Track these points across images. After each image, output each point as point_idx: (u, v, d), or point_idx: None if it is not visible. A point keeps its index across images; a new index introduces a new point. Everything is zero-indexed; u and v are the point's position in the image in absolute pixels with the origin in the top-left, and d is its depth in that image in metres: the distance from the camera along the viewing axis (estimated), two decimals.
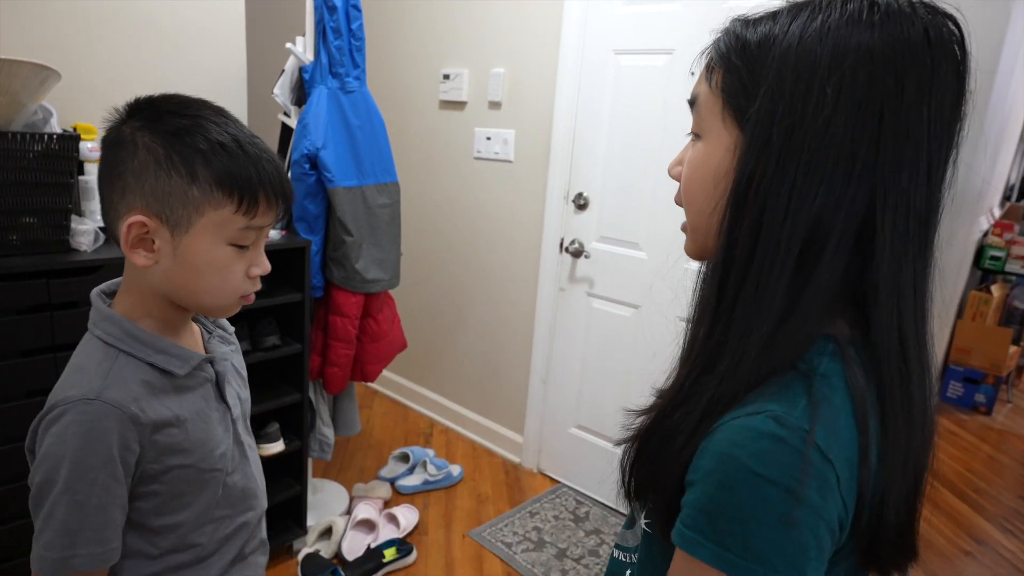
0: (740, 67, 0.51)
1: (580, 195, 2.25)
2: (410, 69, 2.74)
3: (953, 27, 0.49)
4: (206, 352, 0.84)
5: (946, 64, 0.48)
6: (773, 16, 0.52)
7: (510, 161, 2.44)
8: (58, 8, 1.57)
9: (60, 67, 1.31)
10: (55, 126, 1.38)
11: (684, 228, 0.61)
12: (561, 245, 2.34)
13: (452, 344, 2.82)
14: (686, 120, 0.60)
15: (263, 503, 0.91)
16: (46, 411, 0.69)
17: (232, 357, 0.88)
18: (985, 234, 4.02)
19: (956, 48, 0.49)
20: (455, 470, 2.45)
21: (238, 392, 0.87)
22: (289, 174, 1.80)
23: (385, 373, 3.12)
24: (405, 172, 2.55)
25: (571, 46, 2.18)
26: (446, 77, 2.56)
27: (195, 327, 0.85)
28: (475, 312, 2.71)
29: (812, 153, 0.48)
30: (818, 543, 0.45)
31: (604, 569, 0.72)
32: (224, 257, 0.73)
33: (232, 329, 0.93)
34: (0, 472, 1.28)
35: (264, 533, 0.93)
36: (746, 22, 0.53)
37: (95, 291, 0.77)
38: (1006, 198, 4.35)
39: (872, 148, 0.47)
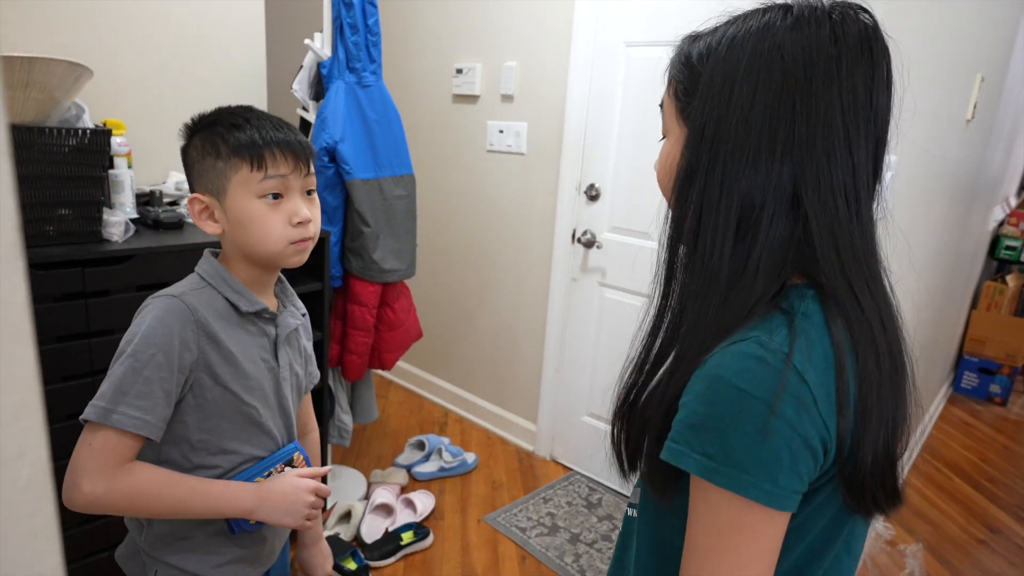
0: (686, 75, 0.61)
1: (592, 186, 2.29)
2: (424, 63, 2.78)
3: (865, 18, 0.55)
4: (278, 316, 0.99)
5: (853, 54, 0.54)
6: (714, 30, 0.60)
7: (523, 153, 2.48)
8: (89, 9, 1.63)
9: (91, 65, 1.37)
10: (87, 122, 1.44)
11: None
12: (573, 236, 2.37)
13: (466, 334, 2.87)
14: None
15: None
16: (149, 298, 0.87)
17: (299, 332, 1.03)
18: (1001, 224, 4.00)
19: (866, 38, 0.55)
20: (470, 457, 2.50)
21: (291, 361, 1.01)
22: None
23: (400, 363, 3.18)
24: (420, 165, 2.60)
25: (583, 39, 2.21)
26: (459, 71, 2.60)
27: (275, 300, 1.00)
28: (489, 303, 2.75)
29: (736, 141, 0.56)
30: (792, 455, 0.50)
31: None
32: (259, 209, 0.87)
33: (304, 311, 1.06)
34: None
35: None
36: (692, 38, 0.63)
37: (207, 251, 0.95)
38: (1022, 187, 4.32)
39: (788, 133, 0.55)
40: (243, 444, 0.93)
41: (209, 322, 0.87)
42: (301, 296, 1.84)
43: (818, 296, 0.56)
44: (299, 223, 0.89)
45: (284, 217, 0.89)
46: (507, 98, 2.50)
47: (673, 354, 0.59)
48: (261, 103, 1.98)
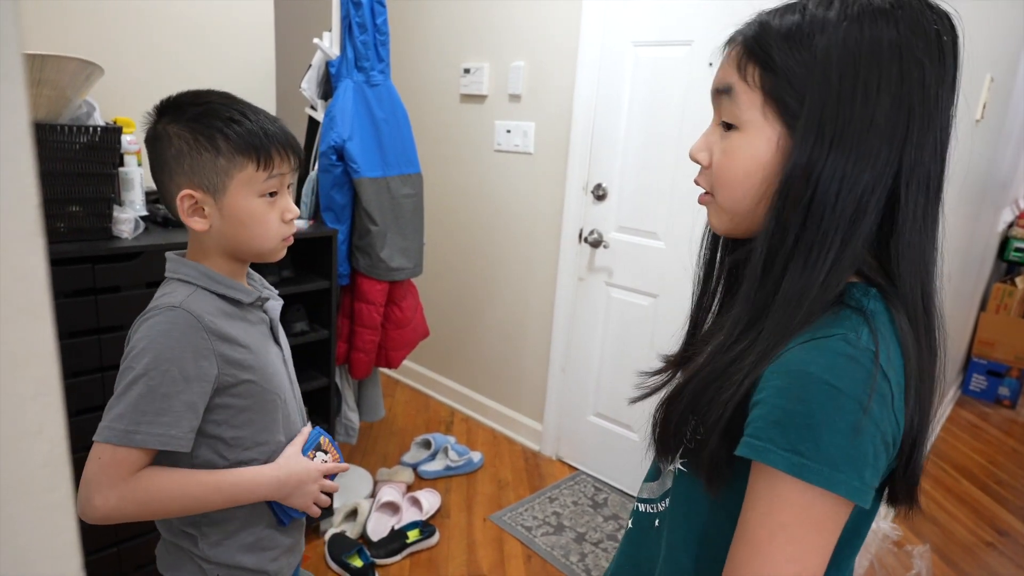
0: (780, 66, 0.56)
1: (599, 186, 2.29)
2: (431, 63, 2.79)
3: (950, 24, 0.56)
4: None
5: (950, 57, 0.55)
6: (800, 8, 0.57)
7: (530, 153, 2.48)
8: (100, 8, 1.64)
9: (102, 63, 1.38)
10: (98, 119, 1.45)
11: (704, 201, 0.66)
12: (580, 235, 2.37)
13: (473, 333, 2.88)
14: (705, 110, 0.64)
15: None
16: (143, 313, 0.85)
17: (277, 311, 1.02)
18: (1010, 226, 3.98)
19: (954, 43, 0.56)
20: (475, 456, 2.51)
21: (283, 341, 1.01)
22: (316, 166, 1.86)
23: (407, 363, 3.19)
24: (427, 164, 2.61)
25: (590, 39, 2.22)
26: (467, 71, 2.61)
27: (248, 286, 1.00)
28: (495, 302, 2.75)
29: (860, 144, 0.54)
30: (875, 452, 0.51)
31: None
32: (259, 208, 0.88)
33: (276, 292, 1.04)
34: None
35: None
36: (774, 13, 0.58)
37: (170, 253, 0.92)
38: None
39: (903, 133, 0.55)
40: (274, 434, 0.94)
41: (217, 324, 0.86)
42: (309, 294, 1.87)
43: (880, 294, 0.57)
44: (291, 219, 0.91)
45: (278, 214, 0.90)
46: (515, 98, 2.50)
47: (764, 335, 0.57)
48: (270, 102, 1.99)
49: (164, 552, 0.96)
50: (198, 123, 0.84)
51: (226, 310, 0.89)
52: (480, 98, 2.62)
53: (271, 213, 0.89)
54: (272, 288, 1.03)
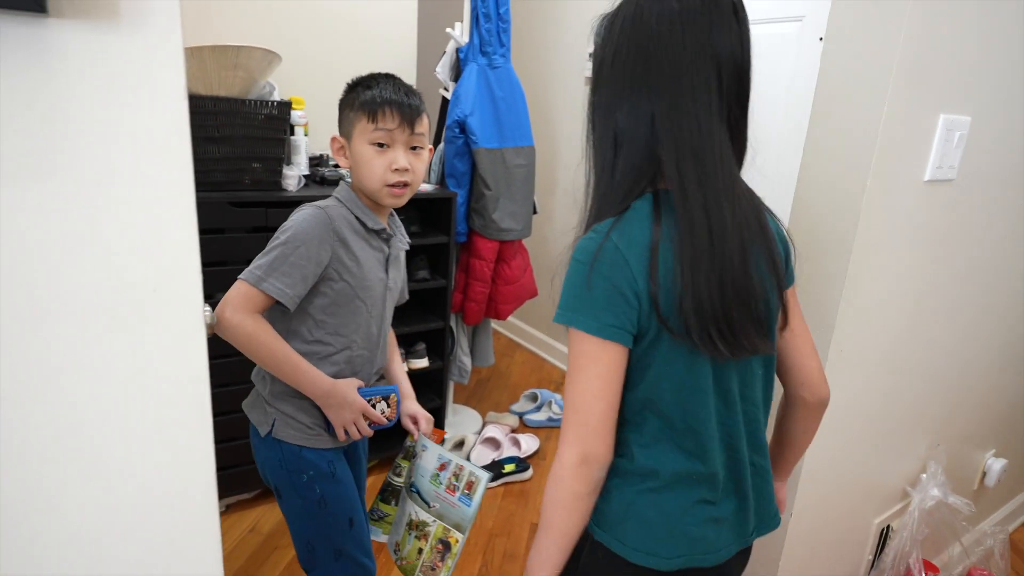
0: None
1: None
2: (556, 48, 3.01)
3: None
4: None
5: (695, 11, 0.72)
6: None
7: None
8: (280, 7, 2.07)
9: (280, 52, 1.77)
10: (276, 97, 1.86)
11: None
12: None
13: None
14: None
15: (379, 359, 1.28)
16: (301, 206, 1.14)
17: (400, 256, 1.28)
18: None
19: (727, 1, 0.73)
20: None
21: (395, 278, 1.27)
22: (443, 137, 2.17)
23: (526, 327, 3.46)
24: (546, 140, 2.82)
25: None
26: (592, 55, 2.78)
27: (386, 229, 1.24)
28: None
29: (613, 80, 0.76)
30: (608, 299, 0.72)
31: None
32: (368, 153, 1.13)
33: (409, 241, 1.31)
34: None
35: (377, 367, 1.30)
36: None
37: (342, 181, 1.21)
38: None
39: (646, 73, 0.73)
40: (351, 332, 1.18)
41: (342, 230, 1.13)
42: (429, 247, 2.19)
43: (653, 198, 0.75)
44: (396, 170, 1.13)
45: (386, 163, 1.12)
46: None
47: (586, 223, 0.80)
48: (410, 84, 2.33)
49: (249, 397, 1.24)
50: (354, 89, 1.16)
51: (354, 226, 1.16)
52: None
53: (378, 159, 1.13)
54: (406, 235, 1.30)
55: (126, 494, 0.48)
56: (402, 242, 1.28)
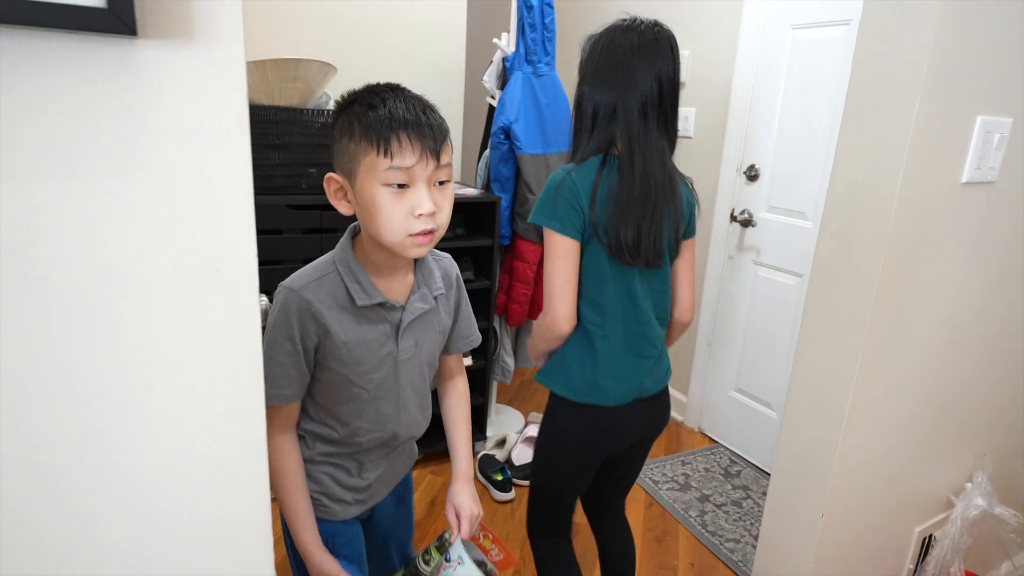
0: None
1: (752, 167, 2.36)
2: None
3: (664, 29, 1.14)
4: (406, 302, 0.99)
5: (647, 44, 1.10)
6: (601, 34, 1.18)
7: (690, 137, 2.62)
8: (335, 23, 2.19)
9: (336, 64, 1.88)
10: (332, 106, 1.97)
11: None
12: (731, 215, 2.47)
13: None
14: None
15: (403, 431, 1.06)
16: (281, 284, 0.94)
17: (427, 314, 1.01)
18: None
19: (655, 35, 1.12)
20: None
21: (418, 340, 1.01)
22: (489, 143, 2.25)
23: None
24: None
25: (751, 25, 2.30)
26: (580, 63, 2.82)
27: (410, 278, 1.00)
28: None
29: (594, 80, 1.13)
30: (566, 210, 1.09)
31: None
32: (382, 197, 0.84)
33: (439, 291, 1.04)
34: None
35: (404, 448, 1.14)
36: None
37: (351, 227, 0.98)
38: None
39: (614, 78, 1.11)
40: (354, 419, 1.00)
41: (323, 313, 0.90)
42: (473, 250, 2.26)
43: (603, 157, 1.12)
44: (420, 215, 0.85)
45: (406, 209, 0.84)
46: (680, 85, 2.65)
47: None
48: (459, 93, 2.42)
49: None
50: (348, 109, 0.86)
51: (342, 303, 0.92)
52: None
53: (396, 205, 0.84)
54: (434, 285, 1.02)
55: (189, 447, 0.56)
56: (426, 298, 1.01)
